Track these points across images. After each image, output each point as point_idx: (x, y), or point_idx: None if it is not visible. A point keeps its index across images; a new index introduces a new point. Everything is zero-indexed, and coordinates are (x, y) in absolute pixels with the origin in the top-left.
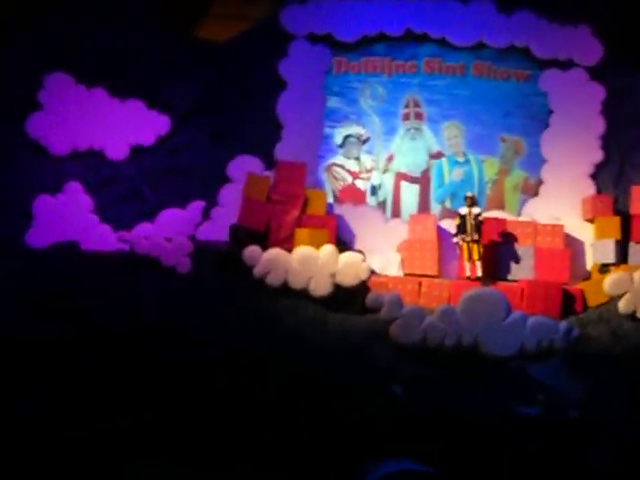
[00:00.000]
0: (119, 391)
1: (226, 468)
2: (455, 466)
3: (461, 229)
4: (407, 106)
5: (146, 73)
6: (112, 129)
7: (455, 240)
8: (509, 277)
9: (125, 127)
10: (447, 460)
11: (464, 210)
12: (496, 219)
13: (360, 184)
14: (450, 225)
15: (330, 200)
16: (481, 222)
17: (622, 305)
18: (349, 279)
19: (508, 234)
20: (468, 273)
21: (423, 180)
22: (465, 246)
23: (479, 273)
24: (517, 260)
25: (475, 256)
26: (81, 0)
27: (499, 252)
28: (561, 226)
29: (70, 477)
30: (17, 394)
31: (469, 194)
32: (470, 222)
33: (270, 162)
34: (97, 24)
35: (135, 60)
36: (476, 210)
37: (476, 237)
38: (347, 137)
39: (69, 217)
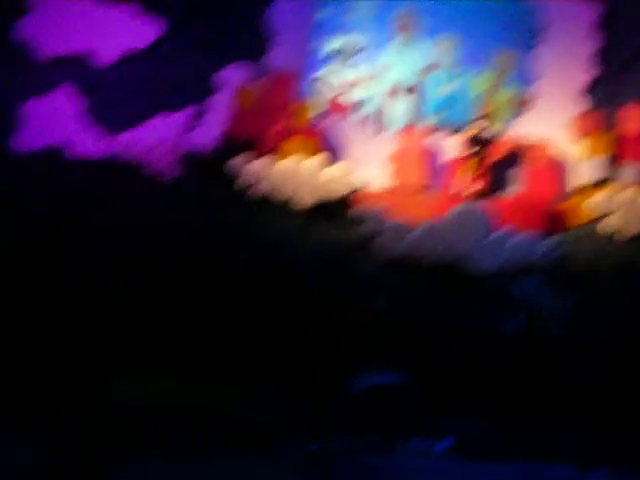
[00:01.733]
0: (106, 295)
1: (207, 374)
2: (433, 378)
3: (470, 144)
4: (401, 17)
5: None
6: (103, 33)
7: (465, 150)
8: (496, 193)
9: (115, 32)
10: (426, 373)
11: (475, 126)
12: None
13: (349, 96)
14: (440, 139)
15: (319, 112)
16: (492, 140)
17: (608, 224)
18: (334, 192)
19: (497, 150)
20: (465, 188)
21: (415, 93)
22: (470, 162)
23: (474, 189)
24: (504, 176)
25: (477, 173)
26: None
27: (486, 168)
28: (551, 143)
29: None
30: None
31: (484, 112)
32: (480, 140)
33: (260, 72)
34: None
35: None
36: (487, 128)
37: (483, 154)
38: (338, 48)
39: (54, 122)
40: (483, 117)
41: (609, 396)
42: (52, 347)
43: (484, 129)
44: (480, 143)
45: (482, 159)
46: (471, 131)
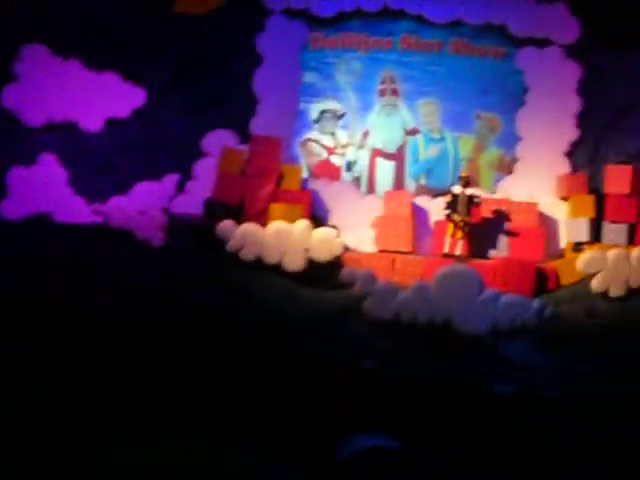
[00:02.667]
0: (94, 361)
1: (196, 438)
2: (426, 441)
3: (451, 207)
4: (383, 82)
5: (122, 46)
6: (87, 101)
7: (445, 213)
8: (483, 255)
9: (100, 99)
10: (418, 435)
11: (457, 189)
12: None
13: (335, 160)
14: (425, 202)
15: (305, 175)
16: (477, 204)
17: (595, 284)
18: (323, 254)
19: (483, 212)
20: (446, 250)
21: (398, 156)
22: (451, 225)
23: (459, 251)
24: (491, 238)
25: (459, 235)
26: None
27: (473, 229)
28: (535, 204)
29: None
30: None
31: (464, 173)
32: (463, 202)
33: (245, 136)
34: None
35: (112, 32)
36: (470, 191)
37: (467, 218)
38: (323, 112)
39: (43, 189)
40: (463, 180)
41: (600, 453)
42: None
43: (464, 192)
44: (462, 205)
45: (465, 221)
46: (450, 195)
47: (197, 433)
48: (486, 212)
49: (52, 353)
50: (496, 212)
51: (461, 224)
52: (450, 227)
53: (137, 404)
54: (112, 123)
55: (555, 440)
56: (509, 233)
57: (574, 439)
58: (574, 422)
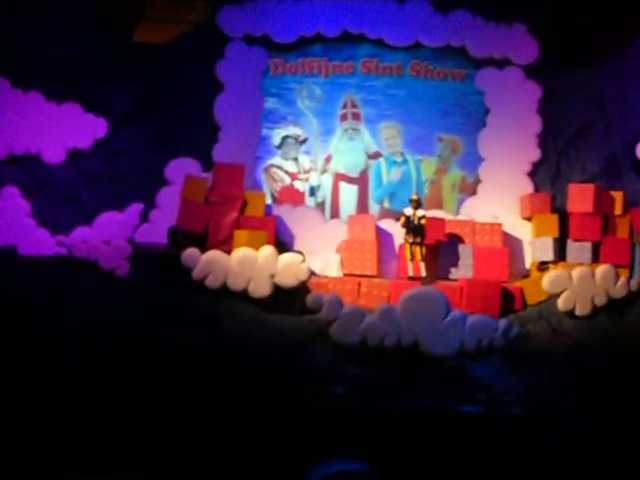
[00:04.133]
0: (59, 393)
1: (164, 468)
2: (396, 465)
3: (406, 229)
4: (344, 106)
5: (82, 77)
6: (48, 133)
7: (405, 237)
8: (448, 276)
9: (62, 131)
10: (387, 459)
11: (409, 211)
12: (435, 218)
13: (298, 185)
14: (389, 225)
15: (269, 201)
16: (423, 225)
17: (561, 302)
18: (288, 280)
19: (447, 233)
20: (411, 273)
21: (361, 180)
22: (408, 247)
23: (423, 273)
24: (456, 259)
25: (418, 257)
26: (15, 4)
27: (438, 251)
28: (499, 224)
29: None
30: None
31: (414, 197)
32: (414, 224)
33: (208, 164)
34: (32, 28)
35: (71, 64)
36: (420, 213)
37: (418, 240)
38: (285, 138)
39: (6, 222)
40: (411, 202)
41: (569, 471)
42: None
43: (414, 213)
44: (415, 228)
45: (420, 242)
46: (403, 217)
47: (160, 464)
48: (450, 234)
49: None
50: (460, 233)
51: (417, 246)
52: (407, 249)
53: (98, 438)
54: (74, 154)
55: (523, 459)
56: (474, 254)
57: (542, 457)
58: (541, 441)
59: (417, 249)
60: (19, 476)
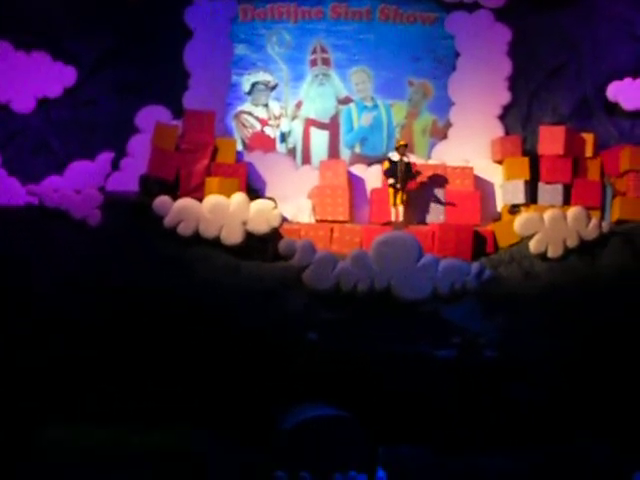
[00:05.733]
0: (34, 341)
1: (142, 416)
2: (372, 410)
3: (390, 174)
4: (314, 52)
5: (51, 26)
6: (18, 82)
7: (391, 182)
8: (420, 221)
9: (31, 79)
10: (362, 404)
11: (395, 156)
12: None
13: (269, 131)
14: (361, 170)
15: (239, 148)
16: (414, 173)
17: (533, 245)
18: (261, 226)
19: (418, 177)
20: (393, 217)
21: (332, 126)
22: (392, 191)
23: (401, 218)
24: (428, 203)
25: (398, 201)
26: None
27: (410, 196)
28: (470, 168)
29: None
30: None
31: (403, 142)
32: (400, 169)
33: (178, 111)
34: None
35: (39, 13)
36: (407, 159)
37: (405, 185)
38: (255, 84)
39: None
40: (399, 147)
41: (543, 413)
42: None
43: (401, 159)
44: (399, 172)
45: (403, 188)
46: (387, 162)
47: (135, 413)
48: (422, 178)
49: None
50: (432, 178)
51: (401, 189)
52: (391, 194)
53: (75, 386)
54: (44, 103)
55: (495, 402)
56: (445, 198)
57: (515, 401)
58: (514, 384)
59: (399, 194)
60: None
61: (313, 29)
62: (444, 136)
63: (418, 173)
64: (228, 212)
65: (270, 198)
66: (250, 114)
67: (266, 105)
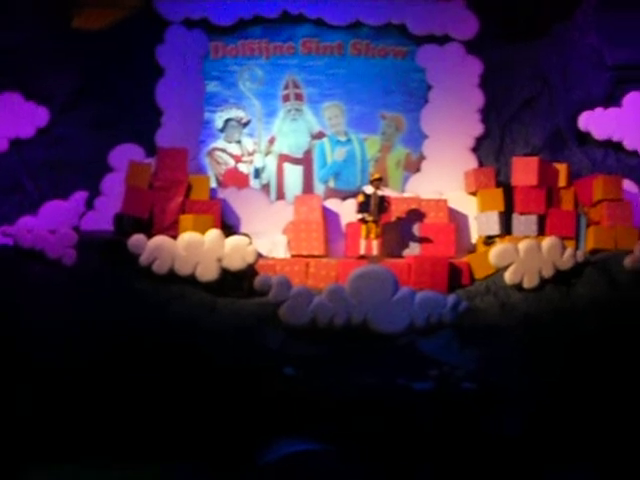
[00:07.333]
0: (11, 384)
1: (122, 457)
2: (350, 444)
3: (363, 208)
4: (286, 87)
5: (21, 65)
6: None
7: (359, 217)
8: (395, 254)
9: (3, 120)
10: (342, 438)
11: (369, 190)
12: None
13: (243, 167)
14: (335, 205)
15: (213, 185)
16: (386, 206)
17: (508, 276)
18: (236, 263)
19: (393, 211)
20: (363, 251)
21: (306, 161)
22: (364, 225)
23: (375, 251)
24: (403, 236)
25: (372, 235)
26: None
27: (385, 229)
28: (444, 200)
29: None
30: None
31: (377, 175)
32: (374, 202)
33: (151, 149)
34: None
35: (9, 53)
36: (381, 192)
37: (378, 218)
38: (228, 121)
39: None
40: (373, 181)
41: (520, 445)
42: None
43: (375, 192)
44: (372, 206)
45: (377, 221)
46: (362, 195)
47: (115, 452)
48: (396, 211)
49: None
50: (406, 211)
51: (374, 225)
52: (364, 228)
53: (54, 426)
54: (16, 143)
55: (475, 435)
56: (420, 231)
57: (496, 432)
58: (492, 416)
59: (373, 227)
60: None
61: (285, 65)
62: (417, 169)
63: (390, 206)
64: (203, 249)
65: (245, 234)
66: (223, 151)
67: (239, 141)
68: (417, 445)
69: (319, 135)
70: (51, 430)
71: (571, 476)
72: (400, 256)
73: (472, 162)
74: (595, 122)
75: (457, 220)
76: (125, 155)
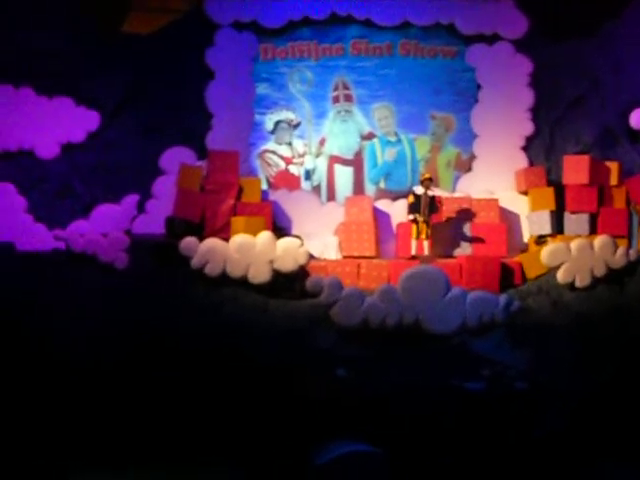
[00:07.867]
0: (64, 388)
1: (175, 459)
2: (403, 446)
3: (414, 208)
4: (336, 89)
5: (72, 70)
6: (41, 128)
7: (410, 217)
8: (447, 254)
9: (54, 125)
10: (395, 440)
11: (420, 190)
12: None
13: (293, 169)
14: (386, 205)
15: (264, 187)
16: (437, 206)
17: (561, 275)
18: (288, 265)
19: (444, 211)
20: (414, 252)
21: (356, 162)
22: (415, 226)
23: (426, 252)
24: (454, 236)
25: (423, 235)
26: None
27: (436, 229)
28: (496, 200)
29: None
30: None
31: (427, 175)
32: (425, 203)
33: (202, 152)
34: (18, 23)
35: (60, 57)
36: (431, 193)
37: (429, 219)
38: (278, 123)
39: (3, 219)
40: (423, 181)
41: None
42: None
43: (425, 192)
44: (424, 206)
45: (428, 221)
46: (412, 196)
47: (169, 455)
48: (447, 211)
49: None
50: (457, 211)
51: (424, 225)
52: (414, 229)
53: (106, 431)
54: (68, 148)
55: (528, 433)
56: (472, 231)
57: (546, 432)
58: (545, 415)
59: (423, 227)
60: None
61: (334, 66)
62: (468, 169)
63: (441, 206)
64: (255, 251)
65: (296, 236)
66: (274, 153)
67: (290, 143)
68: (466, 445)
69: (369, 136)
70: (97, 435)
71: (621, 474)
72: (451, 256)
73: (522, 161)
74: None
75: (508, 219)
76: (176, 158)
